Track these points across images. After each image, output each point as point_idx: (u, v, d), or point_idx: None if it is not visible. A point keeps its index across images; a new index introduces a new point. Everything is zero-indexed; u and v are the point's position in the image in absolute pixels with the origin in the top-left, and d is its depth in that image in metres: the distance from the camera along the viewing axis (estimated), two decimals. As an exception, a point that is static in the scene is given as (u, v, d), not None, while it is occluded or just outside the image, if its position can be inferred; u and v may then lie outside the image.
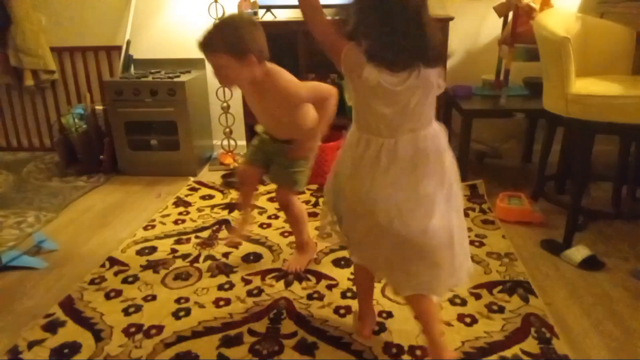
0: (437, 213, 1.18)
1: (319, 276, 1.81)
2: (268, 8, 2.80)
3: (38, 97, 3.34)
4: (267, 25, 2.79)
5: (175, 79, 2.82)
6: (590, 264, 1.84)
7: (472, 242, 2.03)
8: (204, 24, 2.92)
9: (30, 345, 1.49)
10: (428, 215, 1.17)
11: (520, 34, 2.54)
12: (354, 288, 1.72)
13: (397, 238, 1.18)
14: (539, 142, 2.48)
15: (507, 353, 1.40)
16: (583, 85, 1.93)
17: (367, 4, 1.13)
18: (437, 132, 1.22)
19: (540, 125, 2.85)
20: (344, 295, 1.69)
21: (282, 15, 2.85)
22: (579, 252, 1.87)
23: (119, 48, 3.10)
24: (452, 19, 2.58)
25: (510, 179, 2.76)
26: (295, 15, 2.86)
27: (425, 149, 1.18)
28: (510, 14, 2.63)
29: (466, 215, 2.29)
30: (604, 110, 1.88)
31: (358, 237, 1.29)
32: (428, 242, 1.18)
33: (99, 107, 3.01)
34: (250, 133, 2.93)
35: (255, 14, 2.79)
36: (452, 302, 1.64)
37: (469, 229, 2.15)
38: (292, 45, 2.76)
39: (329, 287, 1.74)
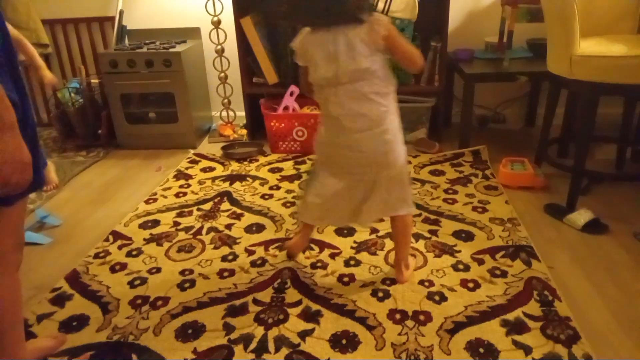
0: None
1: (322, 245, 1.82)
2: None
3: (32, 71, 3.28)
4: None
5: (171, 50, 2.76)
6: (594, 227, 1.84)
7: (475, 208, 2.03)
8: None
9: (40, 318, 1.51)
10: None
11: (523, -6, 2.46)
12: (357, 256, 1.73)
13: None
14: (543, 105, 2.44)
15: (510, 316, 1.41)
16: (587, 46, 1.88)
17: None
18: (379, 87, 1.34)
19: (544, 88, 2.81)
20: (347, 264, 1.70)
21: None
22: (582, 216, 1.87)
23: (112, 19, 3.03)
24: (453, -21, 2.51)
25: (513, 144, 2.74)
26: None
27: (365, 93, 1.32)
28: (514, -27, 2.55)
29: (469, 181, 2.28)
30: (608, 71, 1.83)
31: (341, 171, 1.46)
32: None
33: (94, 80, 2.97)
34: (250, 103, 2.90)
35: None
36: (455, 268, 1.65)
37: (472, 195, 2.14)
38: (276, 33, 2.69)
39: (332, 256, 1.75)
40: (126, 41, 3.04)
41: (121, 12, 2.98)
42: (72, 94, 2.90)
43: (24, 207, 1.21)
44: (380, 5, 2.54)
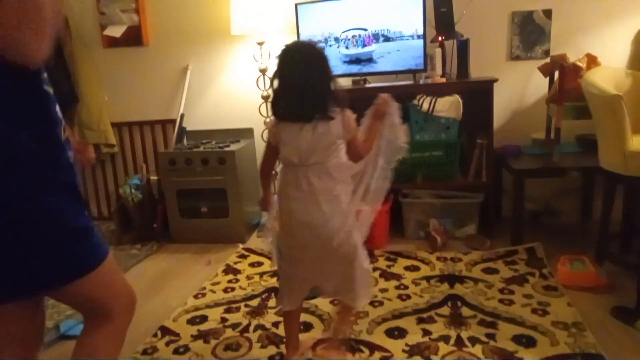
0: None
1: (372, 347, 1.74)
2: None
3: (97, 168, 3.54)
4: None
5: (225, 148, 2.93)
6: (671, 334, 1.68)
7: (534, 311, 1.91)
8: (253, 96, 3.10)
9: (84, 419, 1.48)
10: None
11: (568, 93, 2.50)
12: (410, 361, 1.64)
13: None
14: (597, 198, 2.36)
15: None
16: (642, 142, 1.86)
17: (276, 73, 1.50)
18: (338, 164, 1.52)
19: (597, 181, 2.74)
20: (399, 369, 1.61)
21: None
22: (656, 321, 1.72)
23: (173, 121, 3.28)
24: (496, 80, 2.60)
25: (569, 240, 2.62)
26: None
27: (330, 175, 1.50)
28: (556, 73, 2.61)
29: (526, 280, 2.17)
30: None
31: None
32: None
33: (153, 177, 3.16)
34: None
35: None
36: (517, 377, 1.52)
37: (530, 296, 2.03)
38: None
39: (383, 360, 1.67)
40: (185, 141, 3.26)
41: (182, 115, 3.24)
42: (133, 190, 3.08)
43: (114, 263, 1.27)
44: (425, 106, 2.65)
